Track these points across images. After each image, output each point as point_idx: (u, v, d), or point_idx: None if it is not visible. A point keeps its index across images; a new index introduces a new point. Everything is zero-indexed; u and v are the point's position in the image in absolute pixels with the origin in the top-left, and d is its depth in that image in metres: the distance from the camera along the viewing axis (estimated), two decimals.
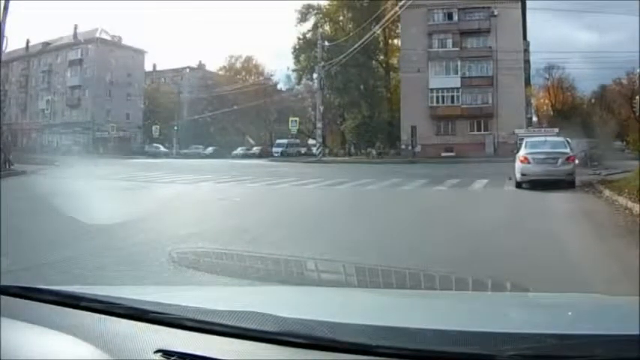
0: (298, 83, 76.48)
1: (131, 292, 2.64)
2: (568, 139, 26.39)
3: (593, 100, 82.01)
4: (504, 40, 60.62)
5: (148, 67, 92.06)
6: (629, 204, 15.05)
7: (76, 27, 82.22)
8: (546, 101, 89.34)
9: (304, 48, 70.39)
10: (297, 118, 62.58)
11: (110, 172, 24.02)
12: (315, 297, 2.88)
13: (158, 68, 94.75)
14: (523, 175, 21.96)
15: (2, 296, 2.26)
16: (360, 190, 23.25)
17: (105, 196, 17.97)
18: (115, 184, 23.41)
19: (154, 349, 1.88)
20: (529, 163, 21.98)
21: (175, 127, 74.05)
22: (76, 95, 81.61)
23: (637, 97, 59.61)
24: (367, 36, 56.33)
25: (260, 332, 1.90)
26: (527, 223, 12.60)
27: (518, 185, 22.14)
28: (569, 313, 2.40)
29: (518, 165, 22.34)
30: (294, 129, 62.22)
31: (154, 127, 75.24)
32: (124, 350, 1.91)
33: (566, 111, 76.32)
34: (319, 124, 57.74)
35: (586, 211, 15.28)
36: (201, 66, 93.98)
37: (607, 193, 18.39)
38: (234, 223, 12.59)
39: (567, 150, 22.95)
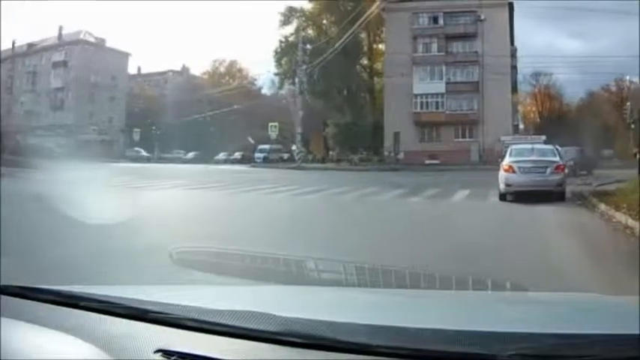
0: (280, 87, 74.78)
1: (131, 292, 2.51)
2: (557, 146, 24.12)
3: (580, 107, 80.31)
4: (491, 45, 59.22)
5: (133, 70, 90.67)
6: (630, 222, 13.02)
7: (60, 28, 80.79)
8: (533, 108, 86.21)
9: (286, 51, 68.62)
10: (277, 123, 60.58)
11: (80, 177, 21.90)
12: (315, 297, 2.84)
13: (143, 71, 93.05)
14: (507, 185, 19.80)
15: (2, 296, 2.24)
16: (331, 200, 21.55)
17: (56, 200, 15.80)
18: (75, 189, 20.79)
19: (154, 349, 1.86)
20: (514, 172, 19.83)
21: (157, 132, 72.58)
22: (60, 97, 79.84)
23: (627, 104, 57.77)
24: (345, 36, 54.88)
25: (260, 332, 1.88)
26: (509, 247, 10.53)
27: (502, 197, 20.05)
28: (569, 313, 2.40)
29: (502, 174, 20.25)
30: (273, 134, 60.61)
31: (134, 131, 73.57)
32: (124, 350, 1.89)
33: (554, 118, 75.14)
34: (299, 130, 56.43)
35: (580, 230, 13.29)
36: (185, 70, 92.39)
37: (602, 207, 16.32)
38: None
39: (556, 158, 20.80)
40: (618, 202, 15.81)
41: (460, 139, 60.44)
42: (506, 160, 20.54)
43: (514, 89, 67.00)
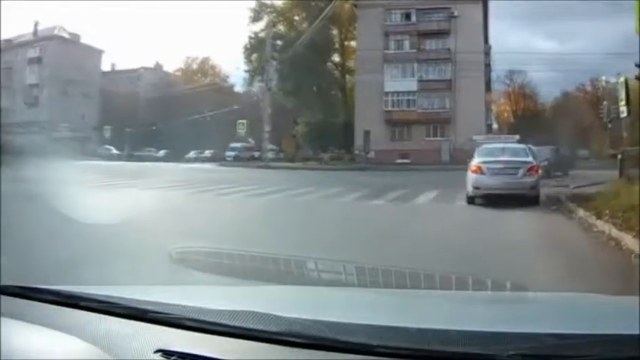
0: (250, 84, 72.91)
1: (131, 292, 2.49)
2: (530, 145, 22.19)
3: (555, 107, 79.51)
4: (464, 43, 57.49)
5: (107, 67, 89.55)
6: (614, 232, 11.31)
7: (36, 24, 79.25)
8: (507, 108, 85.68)
9: (256, 47, 66.53)
10: (245, 121, 59.32)
11: (42, 175, 20.80)
12: (315, 297, 2.83)
13: (117, 68, 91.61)
14: (476, 188, 18.01)
15: (2, 296, 2.24)
16: (286, 202, 20.09)
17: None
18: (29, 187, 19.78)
19: (154, 349, 1.86)
20: (483, 173, 18.01)
21: (128, 129, 70.54)
22: (34, 94, 78.68)
23: (604, 103, 56.43)
24: (312, 29, 52.02)
25: (260, 332, 1.88)
26: (469, 263, 8.06)
27: (470, 200, 18.35)
28: (569, 313, 2.38)
29: (469, 176, 18.46)
30: (242, 132, 59.28)
31: (104, 129, 72.13)
32: (124, 350, 1.89)
33: (528, 118, 74.01)
34: (267, 128, 54.33)
35: (557, 241, 11.62)
36: (157, 67, 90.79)
37: (581, 213, 14.55)
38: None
39: (530, 159, 18.93)
40: (599, 207, 14.03)
41: (432, 138, 58.79)
42: (475, 161, 18.69)
43: (488, 88, 65.73)
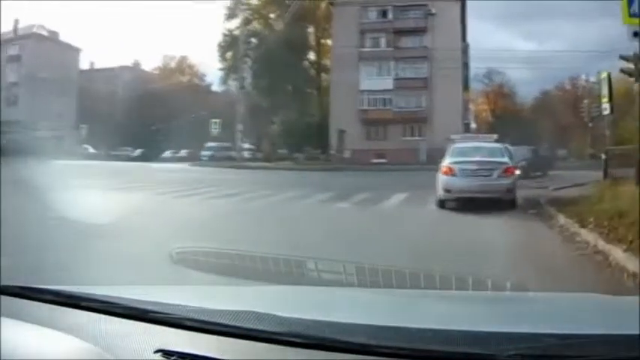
0: (225, 82, 71.03)
1: (131, 292, 2.47)
2: (507, 145, 20.59)
3: (534, 106, 78.48)
4: (441, 41, 55.64)
5: (86, 66, 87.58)
6: (601, 244, 9.72)
7: (16, 22, 76.52)
8: (486, 107, 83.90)
9: (230, 45, 65.14)
10: (219, 120, 56.95)
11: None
12: (315, 297, 2.82)
13: (96, 67, 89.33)
14: (446, 191, 16.53)
15: (2, 296, 2.22)
16: (245, 204, 18.81)
17: None
18: None
19: (154, 349, 1.85)
20: (454, 175, 16.53)
21: (105, 128, 68.00)
22: (14, 92, 75.71)
23: (585, 102, 55.32)
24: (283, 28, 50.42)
25: (260, 332, 1.87)
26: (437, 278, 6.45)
27: (441, 204, 16.89)
28: (569, 313, 2.36)
29: (440, 178, 16.86)
30: (215, 131, 56.92)
31: (81, 128, 70.71)
32: (124, 350, 1.88)
33: (507, 117, 72.14)
34: (240, 127, 53.21)
35: (534, 254, 10.03)
36: (136, 65, 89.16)
37: (562, 219, 13.05)
38: None
39: (505, 159, 17.35)
40: (582, 213, 12.49)
41: (408, 138, 56.90)
42: (446, 161, 17.05)
43: (465, 87, 64.32)
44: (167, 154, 66.99)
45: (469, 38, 63.76)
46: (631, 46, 16.07)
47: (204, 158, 58.92)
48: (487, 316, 2.39)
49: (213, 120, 56.84)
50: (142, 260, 8.15)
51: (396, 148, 53.87)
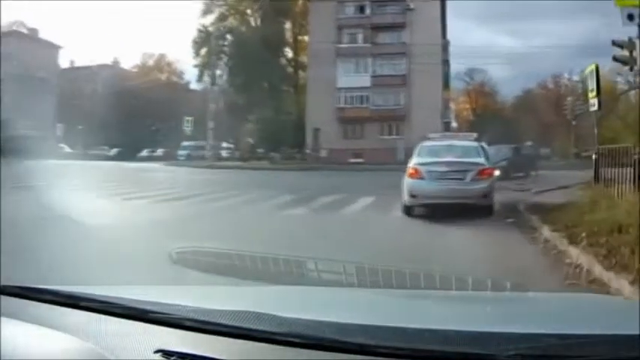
0: (199, 80, 68.42)
1: (131, 292, 2.47)
2: (484, 143, 18.32)
3: (516, 105, 77.50)
4: (421, 37, 53.33)
5: (66, 64, 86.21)
6: (598, 270, 7.45)
7: None
8: (467, 106, 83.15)
9: (205, 41, 62.62)
10: (192, 118, 54.98)
11: None
12: (315, 297, 2.79)
13: (77, 65, 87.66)
14: (412, 196, 14.31)
15: (2, 296, 2.21)
16: (192, 208, 17.01)
17: None
18: None
19: (154, 349, 1.84)
20: (421, 178, 14.27)
21: (82, 127, 68.42)
22: None
23: (568, 99, 53.60)
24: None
25: (260, 332, 1.86)
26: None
27: (407, 211, 14.67)
28: (569, 313, 2.35)
29: (405, 181, 14.63)
30: (187, 129, 54.64)
31: (57, 127, 69.15)
32: (124, 350, 1.86)
33: (488, 116, 70.63)
34: (211, 125, 51.69)
35: (511, 283, 6.85)
36: (116, 63, 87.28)
37: (546, 232, 10.72)
38: None
39: (481, 159, 14.96)
40: (571, 225, 10.26)
41: (386, 137, 54.75)
42: (412, 162, 14.58)
43: (446, 84, 61.56)
44: (144, 153, 66.41)
45: (450, 36, 62.49)
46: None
47: (181, 157, 58.26)
48: (487, 316, 2.34)
49: (186, 118, 55.04)
50: (66, 261, 8.15)
51: (374, 147, 51.93)
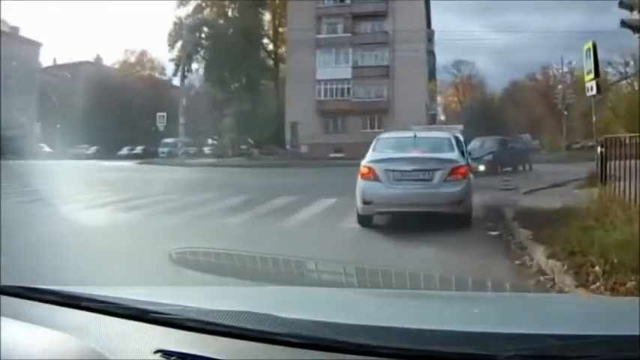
0: (174, 74, 65.36)
1: (131, 292, 2.44)
2: (459, 134, 15.18)
3: (505, 97, 75.67)
4: (404, 26, 50.03)
5: (48, 62, 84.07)
6: None
7: None
8: (454, 99, 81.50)
9: (180, 34, 59.37)
10: (165, 113, 51.59)
11: None
12: (315, 297, 2.72)
13: (58, 62, 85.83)
14: (366, 202, 11.00)
15: (2, 296, 2.18)
16: (114, 214, 14.91)
17: None
18: None
19: (154, 349, 1.81)
20: (377, 179, 10.74)
21: (60, 125, 66.27)
22: None
23: (559, 87, 51.01)
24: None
25: (260, 332, 1.83)
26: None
27: (363, 221, 11.44)
28: (569, 314, 2.32)
29: (358, 183, 11.46)
30: (161, 126, 51.50)
31: (35, 125, 67.10)
32: (124, 350, 1.84)
33: (476, 108, 68.67)
34: (182, 120, 49.23)
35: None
36: (98, 60, 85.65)
37: (540, 257, 7.53)
38: None
39: (454, 155, 11.51)
40: (577, 249, 7.08)
41: (368, 130, 48.99)
42: (366, 159, 11.26)
43: (432, 76, 59.75)
44: (124, 151, 64.57)
45: (435, 27, 60.17)
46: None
47: (162, 155, 56.64)
48: (487, 316, 2.26)
49: (159, 114, 52.19)
50: None
51: (356, 142, 47.90)
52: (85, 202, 16.94)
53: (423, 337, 1.72)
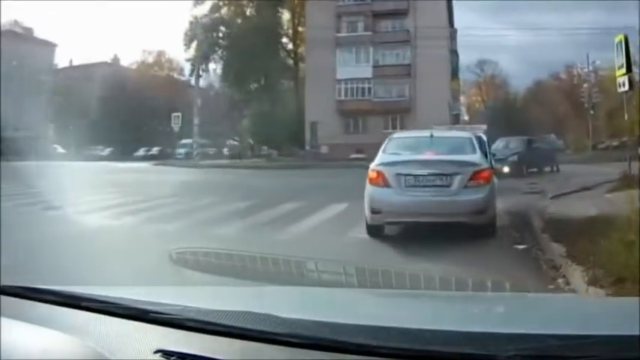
0: (191, 74, 64.25)
1: (131, 292, 2.45)
2: (481, 134, 13.89)
3: (528, 96, 74.18)
4: (426, 24, 48.27)
5: (64, 63, 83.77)
6: None
7: None
8: (478, 98, 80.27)
9: (196, 34, 58.64)
10: (180, 114, 50.65)
11: None
12: (315, 297, 2.74)
13: (75, 63, 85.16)
14: (375, 212, 9.78)
15: (2, 296, 2.18)
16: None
17: None
18: None
19: (154, 349, 1.81)
20: (387, 185, 9.55)
21: (76, 127, 64.16)
22: None
23: (585, 86, 49.67)
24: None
25: (260, 332, 1.82)
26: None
27: (372, 231, 10.13)
28: (569, 314, 2.31)
29: (366, 189, 10.19)
30: (176, 126, 50.46)
31: (49, 127, 67.51)
32: (124, 350, 1.84)
33: (499, 108, 67.16)
34: (196, 121, 48.55)
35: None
36: (115, 61, 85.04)
37: (577, 279, 6.28)
38: None
39: (476, 157, 10.20)
40: (626, 273, 5.73)
41: (390, 130, 48.59)
42: (376, 161, 10.02)
43: (454, 75, 58.21)
44: (140, 152, 63.78)
45: (457, 26, 58.90)
46: None
47: (180, 156, 54.94)
48: (487, 316, 2.33)
49: (174, 114, 50.83)
50: None
51: (376, 142, 46.20)
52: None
53: (423, 337, 1.70)
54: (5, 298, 2.13)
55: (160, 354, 1.75)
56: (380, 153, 10.50)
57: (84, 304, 2.10)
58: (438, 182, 9.43)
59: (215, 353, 1.73)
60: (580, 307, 2.52)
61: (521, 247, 8.86)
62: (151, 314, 1.96)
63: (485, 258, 8.11)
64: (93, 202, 16.68)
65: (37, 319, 1.97)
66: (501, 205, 11.12)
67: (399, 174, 9.49)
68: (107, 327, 1.95)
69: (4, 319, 1.92)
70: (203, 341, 1.81)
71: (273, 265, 3.47)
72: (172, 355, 1.74)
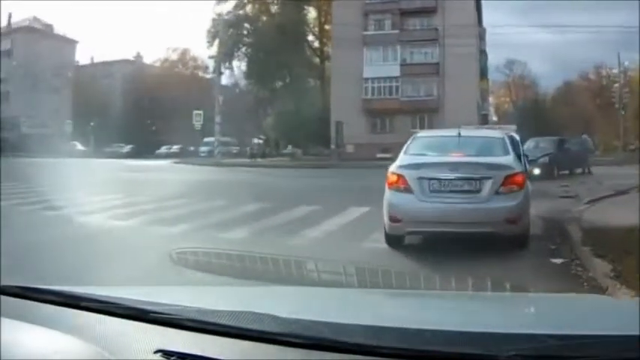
0: (214, 72, 61.99)
1: (131, 292, 2.44)
2: (513, 133, 12.88)
3: (558, 96, 73.49)
4: (454, 22, 47.87)
5: (86, 60, 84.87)
6: None
7: (10, 15, 73.07)
8: (507, 99, 79.71)
9: (220, 30, 57.74)
10: (201, 112, 49.74)
11: None
12: (315, 297, 2.71)
13: (96, 60, 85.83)
14: (394, 220, 8.75)
15: (2, 296, 2.16)
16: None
17: None
18: None
19: (154, 349, 1.80)
20: (408, 191, 8.63)
21: (95, 124, 65.42)
22: (6, 88, 71.82)
23: (615, 86, 48.60)
24: None
25: (260, 332, 1.82)
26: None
27: (391, 241, 9.05)
28: (569, 313, 2.29)
29: (385, 195, 9.12)
30: (197, 124, 49.65)
31: (67, 123, 66.73)
32: (124, 350, 1.83)
33: (528, 108, 66.66)
34: (218, 119, 47.34)
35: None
36: (138, 58, 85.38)
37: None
38: None
39: (509, 159, 9.13)
40: None
41: (417, 130, 48.81)
42: (396, 163, 9.01)
43: (483, 75, 57.45)
44: (162, 149, 64.47)
45: (486, 25, 58.22)
46: None
47: (203, 154, 55.23)
48: (487, 316, 2.30)
49: (196, 112, 50.25)
50: None
51: (404, 142, 45.20)
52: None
53: (423, 336, 1.70)
54: (5, 298, 2.12)
55: (159, 354, 1.74)
56: (401, 154, 9.48)
57: (84, 304, 2.09)
58: (466, 187, 8.41)
59: (215, 353, 1.71)
60: (580, 307, 2.48)
61: (558, 260, 7.85)
62: (151, 314, 1.95)
63: (518, 274, 7.01)
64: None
65: (37, 319, 1.96)
66: (533, 210, 9.96)
67: (421, 178, 8.47)
68: (107, 327, 1.93)
69: (4, 319, 1.91)
70: (203, 341, 1.78)
71: (273, 265, 3.48)
72: (172, 355, 1.72)
